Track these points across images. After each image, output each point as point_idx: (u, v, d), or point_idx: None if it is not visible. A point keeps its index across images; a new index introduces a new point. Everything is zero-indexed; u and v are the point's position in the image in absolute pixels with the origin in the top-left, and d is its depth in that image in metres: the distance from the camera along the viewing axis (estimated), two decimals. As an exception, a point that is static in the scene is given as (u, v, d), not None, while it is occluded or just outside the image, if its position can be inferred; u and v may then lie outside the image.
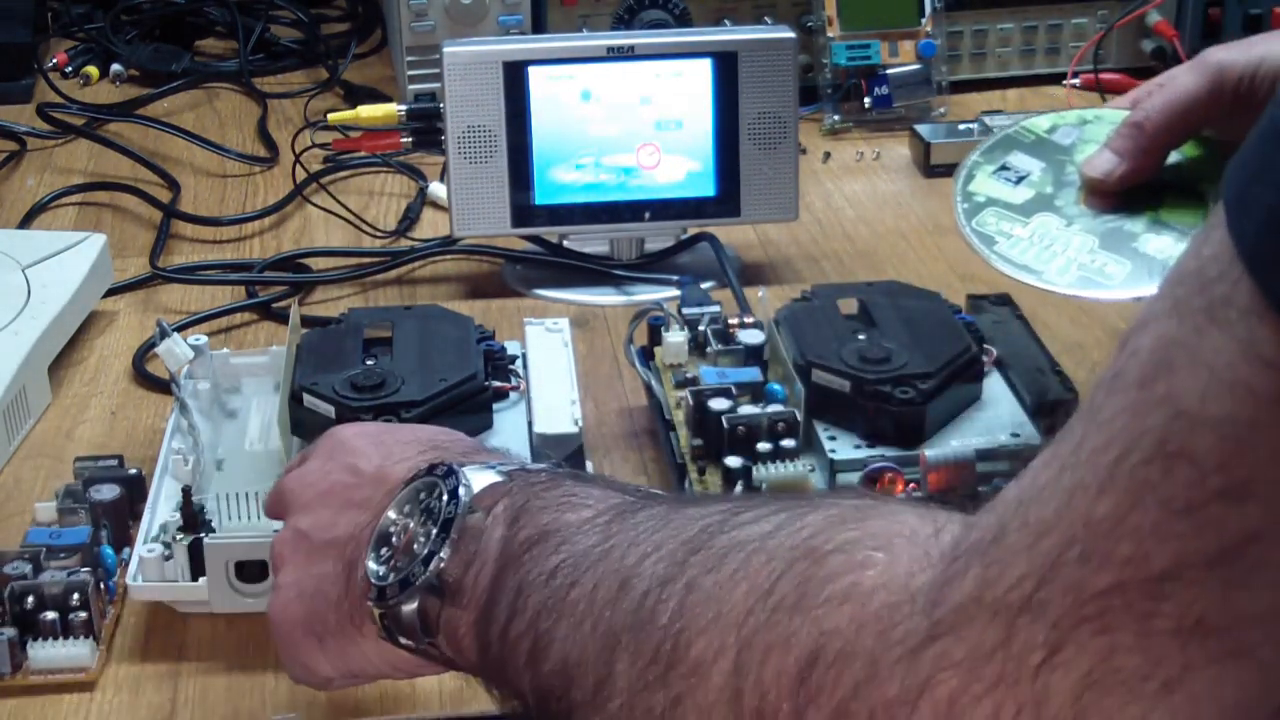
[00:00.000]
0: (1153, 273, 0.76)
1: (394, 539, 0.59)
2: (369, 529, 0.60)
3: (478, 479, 0.58)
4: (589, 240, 1.14)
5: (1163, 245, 0.77)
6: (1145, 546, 0.36)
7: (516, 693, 0.54)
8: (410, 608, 0.57)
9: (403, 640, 0.59)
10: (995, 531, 0.40)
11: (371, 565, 0.59)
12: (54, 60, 1.53)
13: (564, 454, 0.83)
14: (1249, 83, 0.75)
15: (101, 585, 0.80)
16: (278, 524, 0.80)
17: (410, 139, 1.12)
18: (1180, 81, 0.78)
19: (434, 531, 0.57)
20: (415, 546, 0.58)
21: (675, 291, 1.01)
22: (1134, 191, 0.80)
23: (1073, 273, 0.77)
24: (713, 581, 0.46)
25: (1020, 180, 0.80)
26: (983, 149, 0.83)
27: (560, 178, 1.10)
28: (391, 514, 0.59)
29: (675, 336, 0.93)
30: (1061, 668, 0.37)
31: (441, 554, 0.56)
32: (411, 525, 0.58)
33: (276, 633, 0.65)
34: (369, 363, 0.88)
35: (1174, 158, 0.80)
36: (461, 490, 0.57)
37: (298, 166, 1.24)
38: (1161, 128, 0.78)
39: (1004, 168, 0.81)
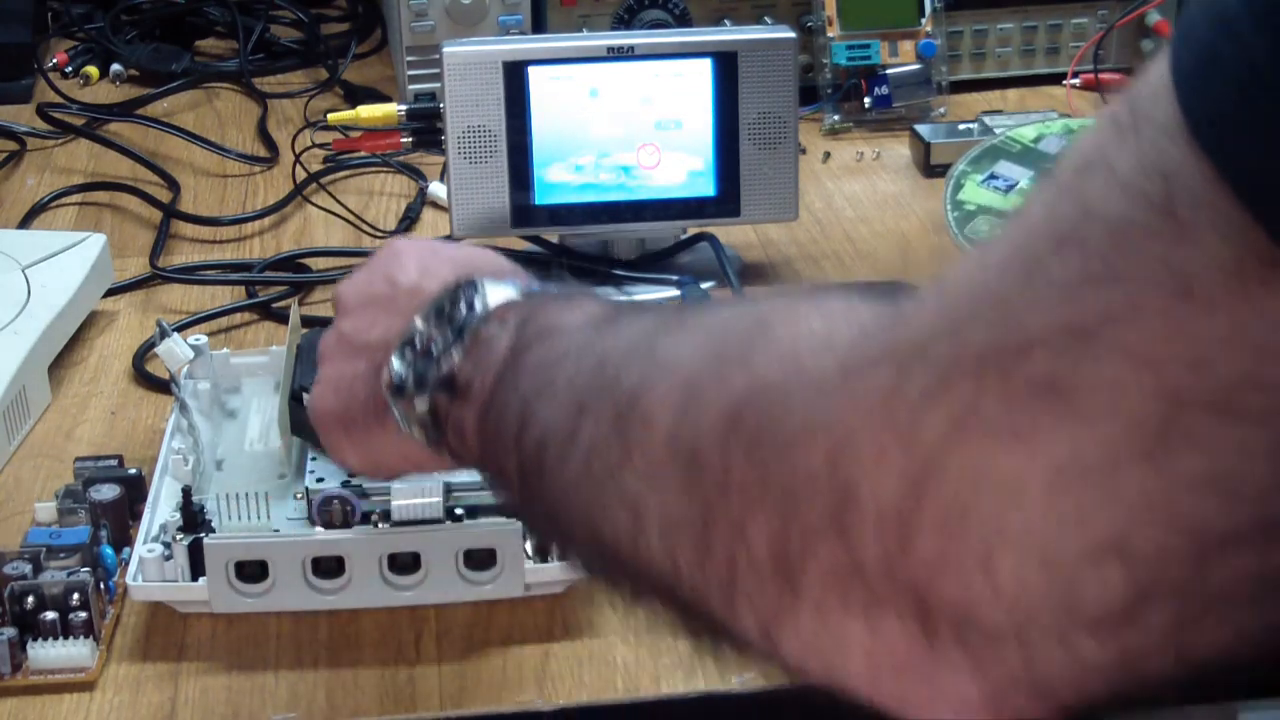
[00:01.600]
0: None
1: (417, 343, 0.64)
2: (399, 334, 0.65)
3: (495, 293, 0.62)
4: (589, 240, 1.14)
5: None
6: (1025, 315, 0.41)
7: (507, 479, 0.58)
8: (423, 402, 0.62)
9: (417, 434, 0.64)
10: (915, 300, 0.45)
11: (395, 365, 0.64)
12: (54, 60, 1.53)
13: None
14: None
15: (101, 585, 0.80)
16: (277, 524, 0.81)
17: (410, 139, 1.11)
18: None
19: (450, 337, 0.62)
20: (433, 349, 0.63)
21: (675, 291, 1.01)
22: None
23: None
24: (673, 348, 0.51)
25: (1010, 189, 0.80)
26: (969, 158, 0.83)
27: (560, 178, 1.10)
28: (418, 322, 0.64)
29: (675, 336, 0.93)
30: (937, 408, 0.41)
31: (453, 354, 0.61)
32: (433, 332, 0.63)
33: (315, 420, 0.72)
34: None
35: None
36: (478, 302, 0.62)
37: (298, 166, 1.24)
38: None
39: (992, 176, 0.80)
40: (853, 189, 1.29)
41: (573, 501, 0.53)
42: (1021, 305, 0.41)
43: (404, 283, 0.69)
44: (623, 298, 0.62)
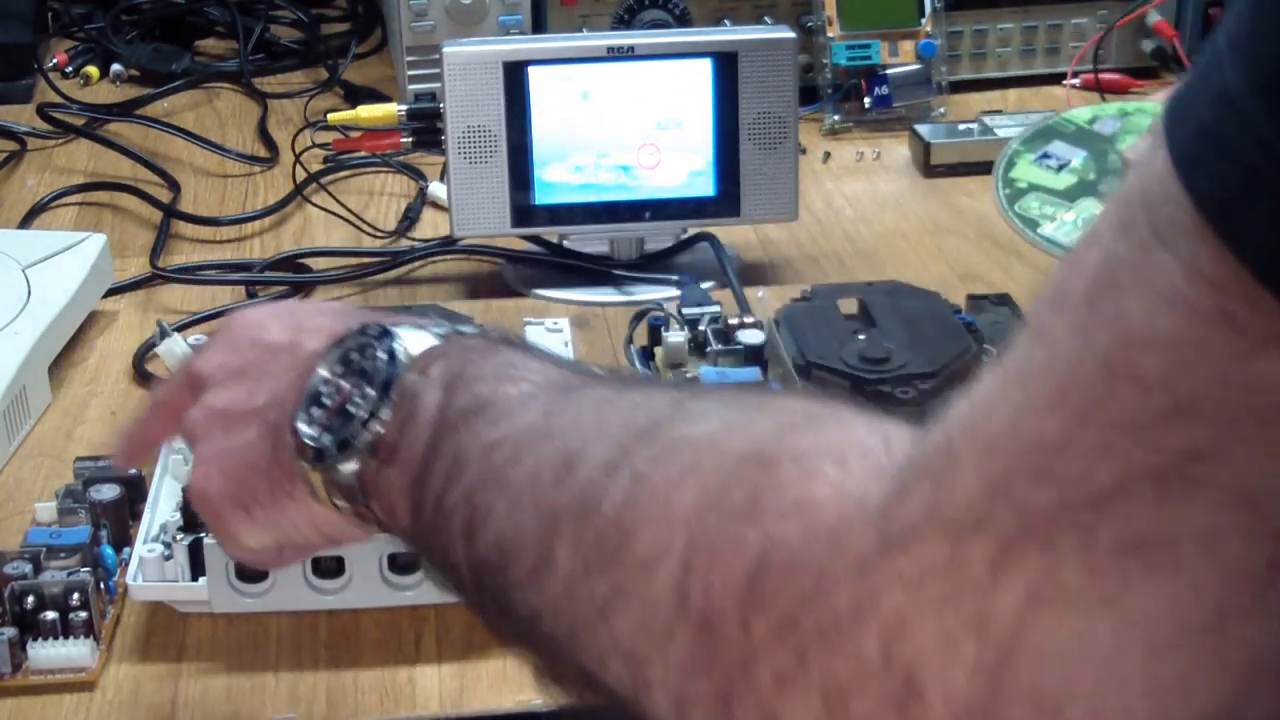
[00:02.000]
0: None
1: (325, 399, 0.57)
2: (294, 392, 0.59)
3: (413, 340, 0.57)
4: (589, 240, 1.14)
5: None
6: (1090, 465, 0.37)
7: (449, 564, 0.54)
8: (349, 469, 0.56)
9: (338, 503, 0.57)
10: (944, 448, 0.40)
11: (304, 428, 0.58)
12: (54, 60, 1.53)
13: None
14: None
15: (101, 585, 0.80)
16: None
17: (410, 139, 1.11)
18: None
19: (372, 392, 0.56)
20: (351, 408, 0.56)
21: (675, 291, 1.01)
22: None
23: None
24: (661, 476, 0.46)
25: (1062, 168, 0.79)
26: (1022, 138, 0.82)
27: (560, 178, 1.10)
28: (323, 372, 0.58)
29: (675, 336, 0.93)
30: (1007, 584, 0.37)
31: (382, 414, 0.55)
32: (345, 386, 0.57)
33: (201, 509, 0.64)
34: (369, 363, 0.88)
35: None
36: (399, 350, 0.56)
37: (298, 166, 1.24)
38: None
39: (1045, 155, 0.80)
40: (853, 189, 1.29)
41: (551, 627, 0.49)
42: (1085, 454, 0.37)
43: (281, 342, 0.62)
44: (552, 354, 0.58)
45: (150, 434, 0.71)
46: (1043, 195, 0.78)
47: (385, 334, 0.57)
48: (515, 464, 0.50)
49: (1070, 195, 0.78)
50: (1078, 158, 0.79)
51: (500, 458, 0.51)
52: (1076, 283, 0.38)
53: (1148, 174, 0.37)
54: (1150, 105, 0.82)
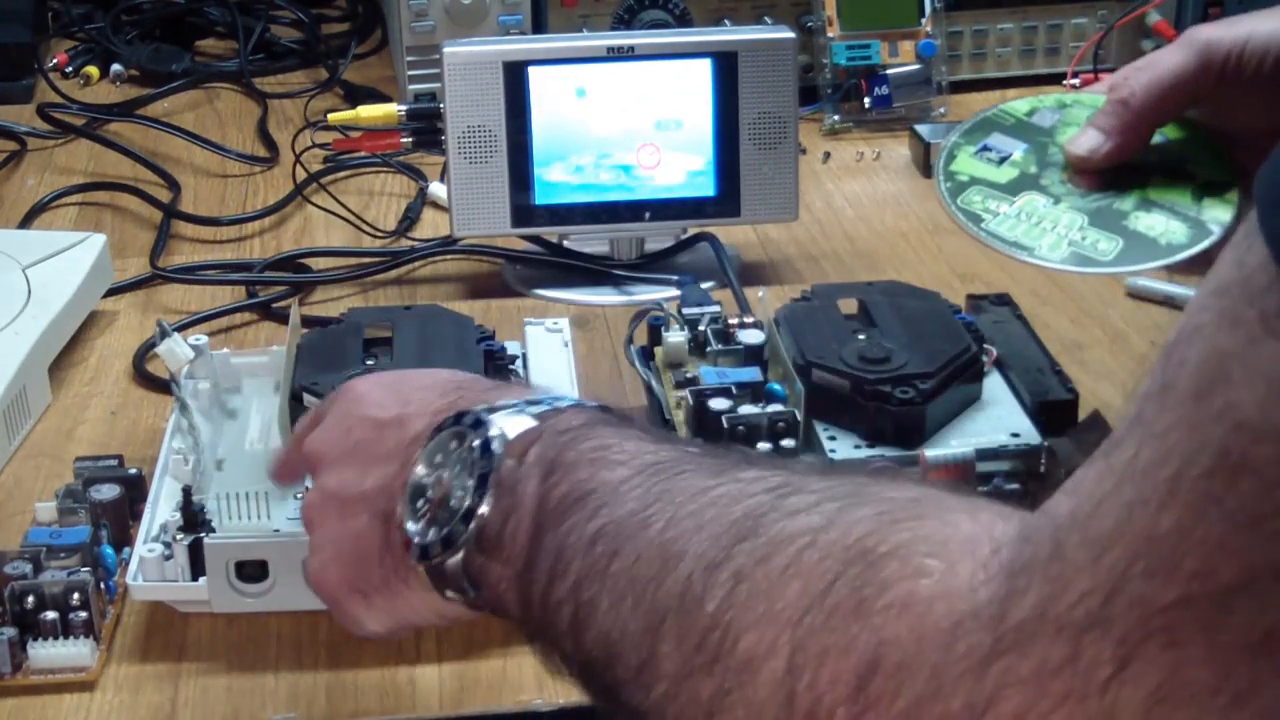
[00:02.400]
0: (1146, 250, 0.75)
1: (428, 492, 0.58)
2: (399, 481, 0.60)
3: (509, 424, 0.57)
4: (589, 240, 1.14)
5: (1153, 223, 0.76)
6: (1212, 560, 0.36)
7: (561, 655, 0.54)
8: (455, 563, 0.57)
9: (449, 594, 0.58)
10: (1052, 546, 0.40)
11: (409, 525, 0.59)
12: (54, 60, 1.53)
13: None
14: (1236, 60, 0.74)
15: (101, 585, 0.80)
16: (277, 524, 0.81)
17: (410, 139, 1.12)
18: (1165, 59, 0.77)
19: (471, 485, 0.56)
20: (453, 502, 0.57)
21: (675, 291, 1.01)
22: (1119, 173, 0.79)
23: (1064, 249, 0.76)
24: (763, 574, 0.46)
25: (1003, 161, 0.79)
26: (961, 130, 0.82)
27: (560, 178, 1.10)
28: (420, 469, 0.59)
29: (675, 336, 0.93)
30: (1130, 683, 0.37)
31: (482, 510, 0.56)
32: (444, 477, 0.58)
33: (321, 594, 0.65)
34: (369, 363, 0.88)
35: (1158, 139, 0.80)
36: (494, 443, 0.57)
37: (298, 166, 1.24)
38: (1147, 104, 0.77)
39: (985, 148, 0.80)
40: (853, 189, 1.29)
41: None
42: (1206, 549, 0.37)
43: (387, 419, 0.63)
44: (648, 430, 0.57)
45: (293, 469, 0.73)
46: (984, 189, 0.78)
47: (479, 423, 0.58)
48: (616, 557, 0.51)
49: (1012, 189, 0.78)
50: (1018, 150, 0.79)
51: (601, 550, 0.51)
52: (1182, 377, 0.38)
53: (1248, 263, 0.37)
54: (1088, 97, 0.82)
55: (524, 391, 0.61)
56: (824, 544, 0.45)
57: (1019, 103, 0.82)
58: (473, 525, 0.56)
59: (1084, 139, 0.79)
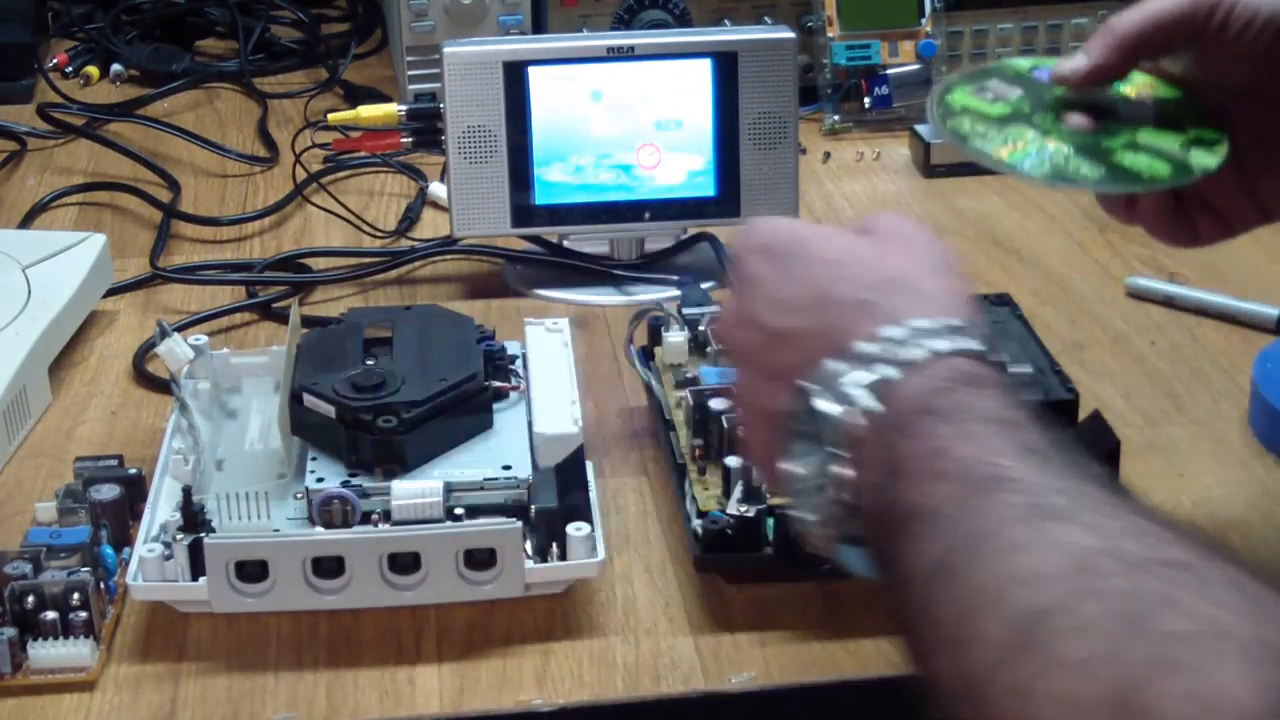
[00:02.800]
0: (1127, 180, 0.75)
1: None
2: (805, 379, 0.61)
3: (849, 401, 0.59)
4: (589, 240, 1.14)
5: (1138, 161, 0.76)
6: None
7: (895, 579, 0.55)
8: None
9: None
10: None
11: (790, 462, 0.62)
12: (54, 60, 1.53)
13: (564, 454, 0.83)
14: (1224, 16, 0.75)
15: (101, 585, 0.80)
16: (277, 524, 0.81)
17: (410, 139, 1.12)
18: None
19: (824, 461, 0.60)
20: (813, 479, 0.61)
21: (675, 291, 1.01)
22: (1111, 121, 0.79)
23: (1047, 166, 0.76)
24: (1059, 677, 0.45)
25: (997, 100, 0.79)
26: (961, 74, 0.82)
27: (560, 178, 1.10)
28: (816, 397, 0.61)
29: (675, 336, 0.93)
30: None
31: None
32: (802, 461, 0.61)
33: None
34: (369, 363, 0.88)
35: (1149, 97, 0.80)
36: (835, 424, 0.60)
37: (298, 166, 1.24)
38: (1132, 31, 0.77)
39: (982, 89, 0.80)
40: (853, 189, 1.29)
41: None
42: None
43: (839, 299, 0.64)
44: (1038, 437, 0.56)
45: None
46: (975, 117, 0.78)
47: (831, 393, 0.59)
48: (1025, 548, 0.50)
49: (1002, 121, 0.78)
50: (1014, 94, 0.80)
51: (925, 568, 0.52)
52: None
53: None
54: None
55: (922, 311, 0.61)
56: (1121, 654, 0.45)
57: (1021, 60, 0.83)
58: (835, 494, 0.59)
59: (1070, 60, 0.79)
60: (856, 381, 0.59)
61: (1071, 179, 0.75)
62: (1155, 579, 0.46)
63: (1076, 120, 0.77)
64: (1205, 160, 0.76)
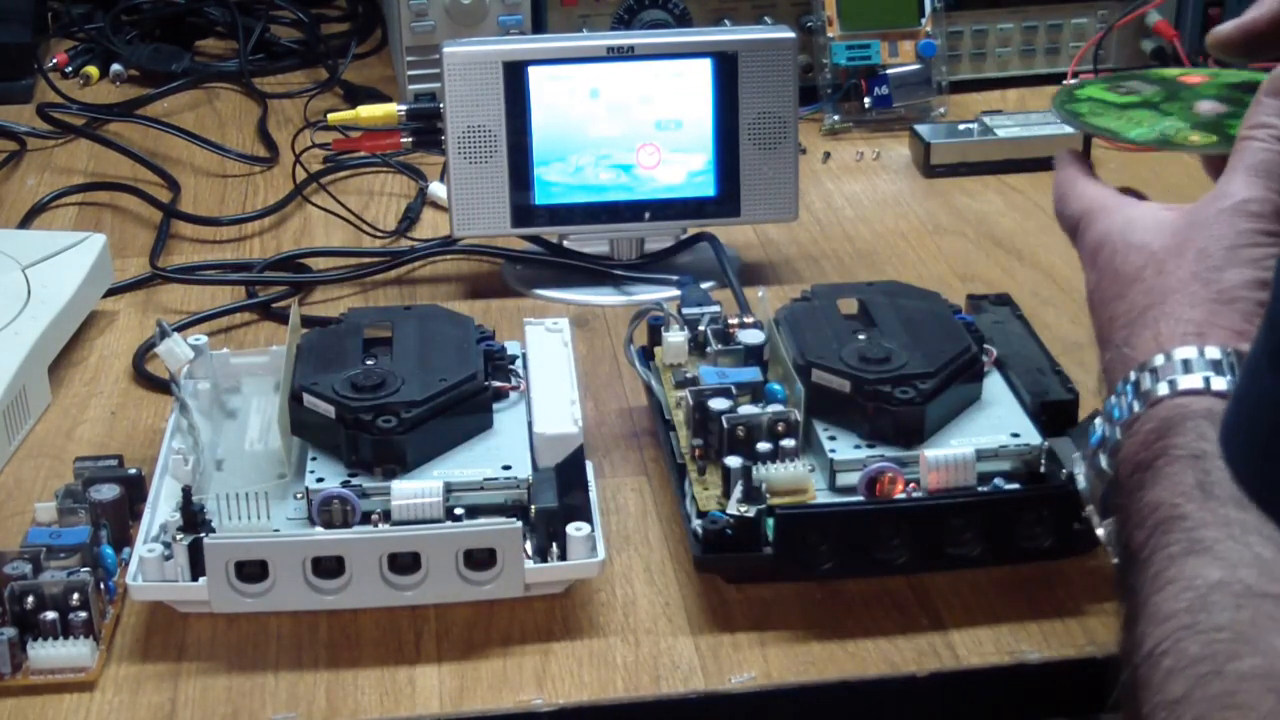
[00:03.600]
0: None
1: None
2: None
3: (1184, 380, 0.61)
4: (589, 240, 1.14)
5: None
6: None
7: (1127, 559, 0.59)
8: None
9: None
10: None
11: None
12: (54, 60, 1.53)
13: (564, 454, 0.83)
14: None
15: (101, 585, 0.80)
16: (277, 524, 0.81)
17: (410, 139, 1.12)
18: None
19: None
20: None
21: (675, 291, 1.01)
22: (1240, 110, 0.77)
23: (1155, 134, 0.74)
24: None
25: (1130, 94, 0.78)
26: (1103, 77, 0.81)
27: (560, 178, 1.10)
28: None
29: (675, 336, 0.93)
30: None
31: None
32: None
33: None
34: (369, 363, 0.88)
35: None
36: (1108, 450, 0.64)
37: (298, 166, 1.24)
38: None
39: (1118, 85, 0.79)
40: (853, 189, 1.29)
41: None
42: None
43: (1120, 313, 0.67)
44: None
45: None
46: (1097, 104, 0.77)
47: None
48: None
49: (1125, 106, 0.77)
50: (1149, 90, 0.78)
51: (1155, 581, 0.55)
52: None
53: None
54: (1228, 74, 0.80)
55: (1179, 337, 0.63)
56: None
57: (1170, 69, 0.82)
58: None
59: (1223, 25, 0.77)
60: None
61: (1178, 145, 0.74)
62: (1258, 614, 0.49)
63: (1207, 107, 0.76)
64: None
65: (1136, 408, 0.61)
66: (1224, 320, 0.62)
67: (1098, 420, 0.65)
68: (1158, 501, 0.58)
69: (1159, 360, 0.62)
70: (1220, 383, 0.60)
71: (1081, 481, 0.67)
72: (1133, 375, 0.63)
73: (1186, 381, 0.61)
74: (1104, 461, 0.64)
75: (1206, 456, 0.57)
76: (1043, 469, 0.84)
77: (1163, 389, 0.61)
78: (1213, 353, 0.61)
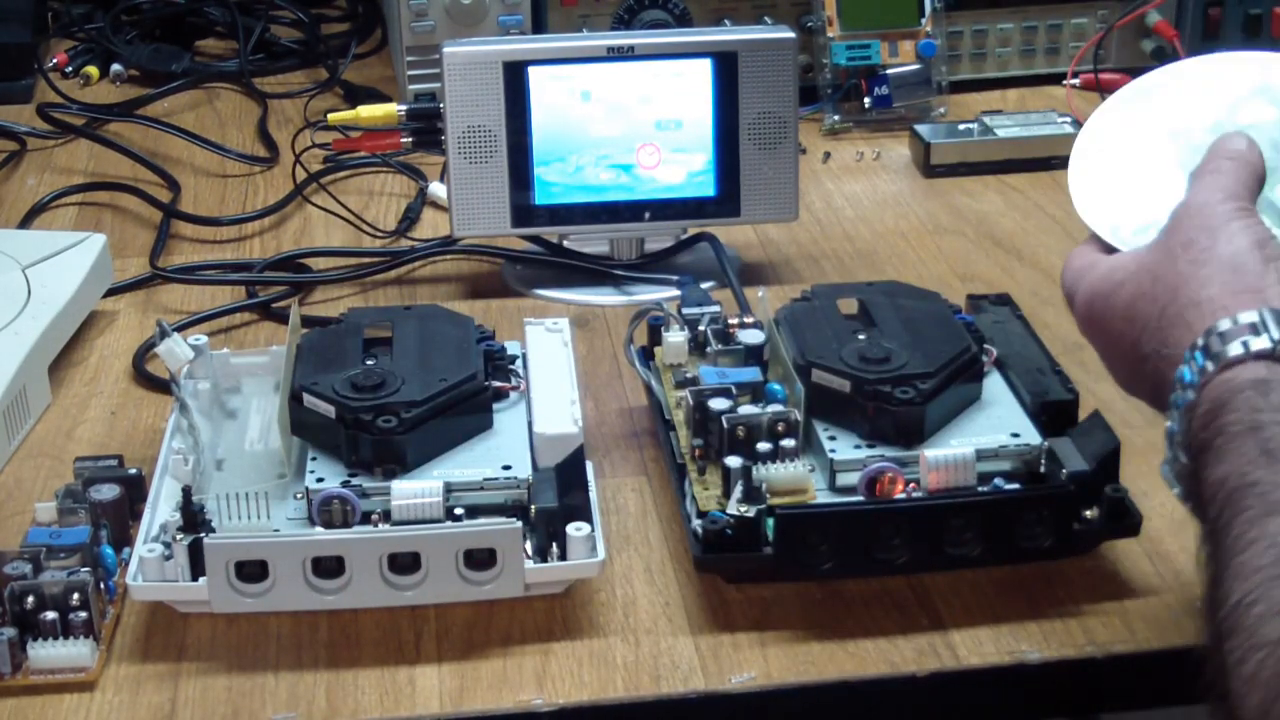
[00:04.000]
0: None
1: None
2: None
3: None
4: (589, 240, 1.14)
5: None
6: None
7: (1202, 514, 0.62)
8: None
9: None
10: None
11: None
12: (54, 60, 1.53)
13: (564, 454, 0.83)
14: None
15: (101, 585, 0.80)
16: (277, 524, 0.81)
17: (410, 139, 1.12)
18: None
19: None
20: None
21: (675, 291, 1.01)
22: None
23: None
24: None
25: None
26: None
27: (560, 178, 1.10)
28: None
29: (675, 336, 0.93)
30: None
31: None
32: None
33: None
34: (369, 363, 0.88)
35: None
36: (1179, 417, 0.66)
37: (298, 166, 1.24)
38: None
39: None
40: (853, 189, 1.29)
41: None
42: None
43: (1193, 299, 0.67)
44: None
45: None
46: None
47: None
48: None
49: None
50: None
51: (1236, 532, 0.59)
52: None
53: None
54: None
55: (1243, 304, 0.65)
56: None
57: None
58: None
59: None
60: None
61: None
62: None
63: None
64: None
65: (1194, 392, 0.64)
66: (1240, 284, 0.65)
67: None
68: (1224, 475, 0.60)
69: (1201, 340, 0.64)
70: (1259, 342, 0.62)
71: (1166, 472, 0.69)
72: (1183, 369, 0.65)
73: (1234, 349, 0.63)
74: (1182, 456, 0.65)
75: (1264, 426, 0.60)
76: (1043, 469, 0.84)
77: (1212, 364, 0.63)
78: (1248, 316, 0.63)
